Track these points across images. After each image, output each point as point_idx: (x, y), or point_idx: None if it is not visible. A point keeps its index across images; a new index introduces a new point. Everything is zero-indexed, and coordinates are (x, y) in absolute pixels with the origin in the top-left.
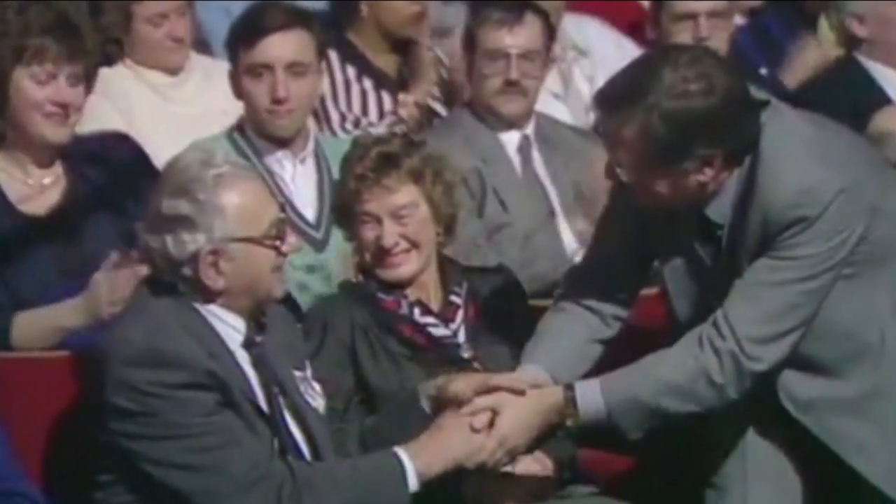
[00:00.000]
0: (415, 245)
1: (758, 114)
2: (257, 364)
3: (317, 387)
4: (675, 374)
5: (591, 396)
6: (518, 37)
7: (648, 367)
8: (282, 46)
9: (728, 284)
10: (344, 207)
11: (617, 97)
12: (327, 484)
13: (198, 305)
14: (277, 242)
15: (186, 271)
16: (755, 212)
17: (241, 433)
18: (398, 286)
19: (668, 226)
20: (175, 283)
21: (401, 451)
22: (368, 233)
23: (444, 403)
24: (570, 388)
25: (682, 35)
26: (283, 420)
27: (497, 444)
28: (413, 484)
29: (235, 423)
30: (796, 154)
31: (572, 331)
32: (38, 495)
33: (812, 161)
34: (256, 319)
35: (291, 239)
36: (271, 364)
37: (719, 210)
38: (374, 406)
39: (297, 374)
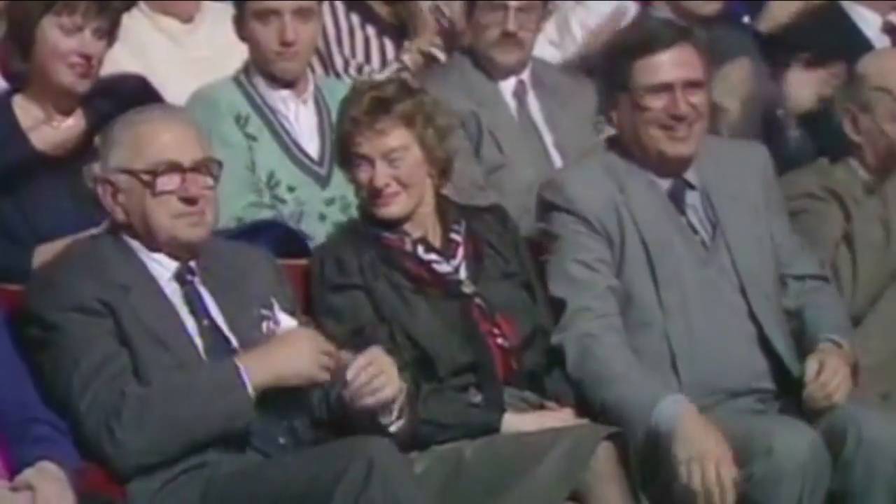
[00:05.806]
0: (405, 186)
1: None
2: (188, 300)
3: (283, 323)
4: None
5: None
6: None
7: None
8: None
9: None
10: (341, 150)
11: None
12: (163, 397)
13: (128, 239)
14: (152, 179)
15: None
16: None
17: (104, 349)
18: (395, 224)
19: None
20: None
21: (238, 359)
22: (362, 174)
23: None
24: None
25: None
26: (223, 353)
27: None
28: (251, 388)
29: (107, 343)
30: None
31: None
32: (58, 420)
33: None
34: (193, 257)
35: (168, 180)
36: (213, 299)
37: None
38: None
39: (264, 311)
